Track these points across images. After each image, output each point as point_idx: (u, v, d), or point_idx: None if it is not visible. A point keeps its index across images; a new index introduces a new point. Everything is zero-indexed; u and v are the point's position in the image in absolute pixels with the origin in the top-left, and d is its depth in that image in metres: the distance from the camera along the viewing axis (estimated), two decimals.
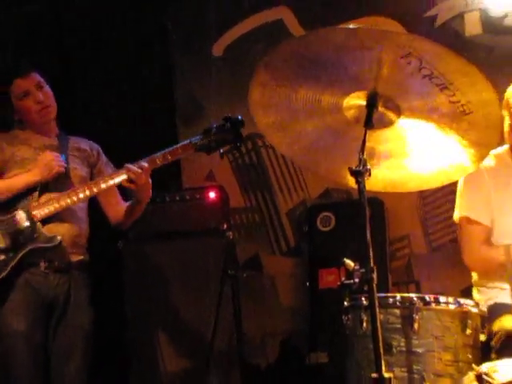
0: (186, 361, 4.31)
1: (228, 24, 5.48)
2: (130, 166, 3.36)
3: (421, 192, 4.69)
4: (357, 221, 2.42)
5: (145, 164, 3.36)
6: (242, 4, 5.48)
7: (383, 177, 2.72)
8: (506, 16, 5.14)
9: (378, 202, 4.66)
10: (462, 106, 2.44)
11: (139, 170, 3.33)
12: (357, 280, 2.50)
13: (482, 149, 2.59)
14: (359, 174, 2.38)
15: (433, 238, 5.04)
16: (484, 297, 3.24)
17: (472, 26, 5.21)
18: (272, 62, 2.46)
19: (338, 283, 2.65)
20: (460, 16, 5.22)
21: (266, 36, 5.30)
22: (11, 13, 4.73)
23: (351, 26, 2.38)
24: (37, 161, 3.42)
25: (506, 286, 2.86)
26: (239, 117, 3.36)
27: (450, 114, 2.48)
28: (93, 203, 3.62)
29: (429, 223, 5.04)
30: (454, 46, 4.86)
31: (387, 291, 2.74)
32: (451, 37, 5.17)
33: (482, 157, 2.65)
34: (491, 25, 5.16)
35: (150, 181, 3.44)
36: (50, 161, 3.40)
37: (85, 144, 3.72)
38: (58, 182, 3.45)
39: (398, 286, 4.04)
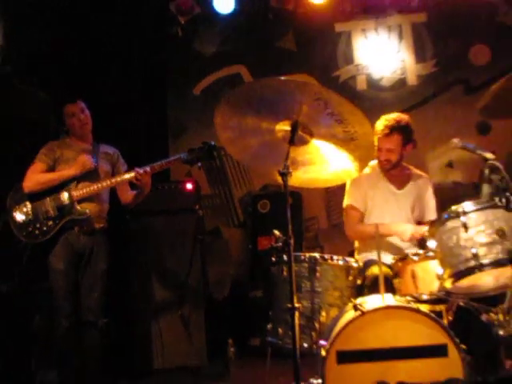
0: (169, 294, 4.31)
1: (204, 73, 5.47)
2: (137, 169, 3.39)
3: (326, 188, 4.77)
4: (283, 206, 2.47)
5: (147, 169, 3.39)
6: (214, 61, 5.48)
7: (301, 177, 2.72)
8: (381, 79, 5.28)
9: (297, 194, 4.71)
10: (351, 134, 2.48)
11: (143, 173, 3.37)
12: (280, 244, 2.58)
13: (362, 162, 2.65)
14: (284, 174, 2.41)
15: (332, 218, 5.11)
16: (361, 256, 3.29)
17: (361, 84, 5.33)
18: (230, 99, 2.49)
19: (269, 246, 2.73)
20: (354, 77, 5.34)
21: (229, 82, 5.29)
22: None
23: (283, 78, 2.41)
24: (76, 160, 3.43)
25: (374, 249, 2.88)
26: (212, 142, 3.38)
27: (344, 139, 2.51)
28: (112, 190, 3.64)
29: (330, 208, 5.09)
30: (350, 96, 5.10)
31: (301, 252, 2.79)
32: (349, 90, 5.26)
33: (362, 167, 2.70)
34: (373, 84, 5.30)
35: (150, 180, 3.47)
36: (85, 160, 3.42)
37: (110, 149, 3.71)
38: (90, 175, 3.46)
39: (309, 249, 4.10)
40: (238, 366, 3.70)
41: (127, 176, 3.43)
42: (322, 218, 5.21)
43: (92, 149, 3.60)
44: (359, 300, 2.51)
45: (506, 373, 2.29)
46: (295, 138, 2.50)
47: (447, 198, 3.45)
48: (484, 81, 4.79)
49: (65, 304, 3.36)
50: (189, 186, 4.50)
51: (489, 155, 2.53)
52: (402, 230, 3.12)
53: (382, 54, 5.31)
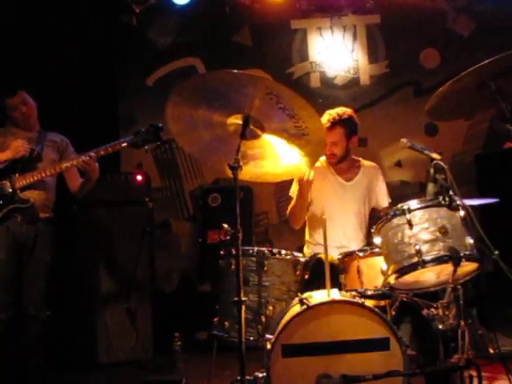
0: (116, 287, 4.25)
1: (158, 64, 5.40)
2: (82, 156, 3.35)
3: (277, 183, 4.78)
4: (234, 200, 2.46)
5: (92, 153, 3.34)
6: (168, 52, 5.41)
7: (251, 171, 2.72)
8: (335, 77, 5.35)
9: (248, 189, 4.72)
10: (303, 129, 2.49)
11: (88, 158, 3.32)
12: (229, 237, 2.57)
13: (313, 158, 2.67)
14: (234, 168, 2.41)
15: (282, 213, 5.08)
16: (310, 250, 3.32)
17: (315, 82, 5.39)
18: (182, 90, 2.45)
19: (218, 240, 2.71)
20: (308, 74, 5.39)
21: (183, 75, 5.24)
22: None
23: (235, 71, 2.37)
24: (9, 145, 3.35)
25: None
26: (160, 124, 3.34)
27: (295, 134, 2.52)
28: (60, 180, 3.56)
29: (280, 204, 5.10)
30: (304, 93, 5.12)
31: (251, 246, 2.80)
32: (302, 87, 5.31)
33: (313, 163, 2.73)
34: (327, 81, 5.36)
35: (97, 165, 3.40)
36: (18, 146, 3.35)
37: (58, 137, 3.64)
38: (35, 162, 3.39)
39: (259, 244, 4.11)
40: (184, 360, 3.69)
41: (71, 162, 3.37)
42: (272, 213, 5.24)
43: (38, 137, 3.53)
44: (305, 294, 2.52)
45: (442, 365, 2.36)
46: (246, 132, 2.50)
47: (395, 196, 3.52)
48: (433, 84, 4.91)
49: (4, 296, 3.25)
50: (139, 177, 4.44)
51: (435, 155, 2.60)
52: None
53: (336, 52, 5.39)
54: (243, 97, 2.42)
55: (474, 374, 2.77)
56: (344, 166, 3.40)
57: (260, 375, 2.41)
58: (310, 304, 2.36)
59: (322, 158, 3.40)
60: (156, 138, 3.35)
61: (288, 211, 3.44)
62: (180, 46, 5.43)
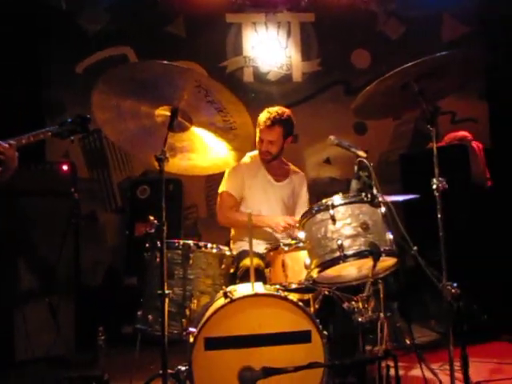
0: (37, 280, 4.08)
1: (88, 52, 5.22)
2: (0, 142, 3.19)
3: (207, 177, 4.79)
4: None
5: (12, 142, 3.19)
6: (99, 40, 5.25)
7: (179, 164, 2.71)
8: (268, 73, 5.39)
9: (178, 181, 4.68)
10: (231, 123, 2.50)
11: (7, 146, 3.17)
12: (154, 230, 2.54)
13: (240, 152, 2.69)
14: (160, 160, 2.39)
15: (212, 207, 5.02)
16: (236, 246, 3.35)
17: (248, 76, 5.39)
18: (109, 79, 2.41)
19: (144, 232, 2.68)
20: (241, 68, 5.39)
21: (114, 63, 5.06)
22: None
23: (165, 62, 2.34)
24: None
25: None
26: (88, 115, 3.24)
27: (223, 128, 2.53)
28: None
29: (210, 197, 5.07)
30: (237, 87, 5.15)
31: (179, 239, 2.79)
32: (235, 81, 5.30)
33: (240, 157, 2.74)
34: (259, 77, 5.39)
35: (17, 154, 3.26)
36: None
37: None
38: None
39: (187, 237, 4.07)
40: (108, 355, 3.61)
41: None
42: (201, 207, 5.21)
43: None
44: (230, 288, 2.54)
45: (361, 356, 2.44)
46: (174, 124, 2.48)
47: (323, 192, 3.61)
48: (363, 83, 5.00)
49: None
50: (64, 167, 4.29)
51: (361, 153, 2.68)
52: (275, 222, 3.22)
53: (270, 48, 5.42)
54: (172, 88, 2.40)
55: (392, 364, 2.92)
56: (275, 165, 3.46)
57: (182, 368, 2.41)
58: (234, 297, 2.38)
59: (253, 154, 3.43)
60: (82, 128, 3.25)
61: (223, 216, 3.43)
62: (111, 34, 5.27)
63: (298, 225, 2.57)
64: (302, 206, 3.46)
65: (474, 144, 4.78)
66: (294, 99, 5.28)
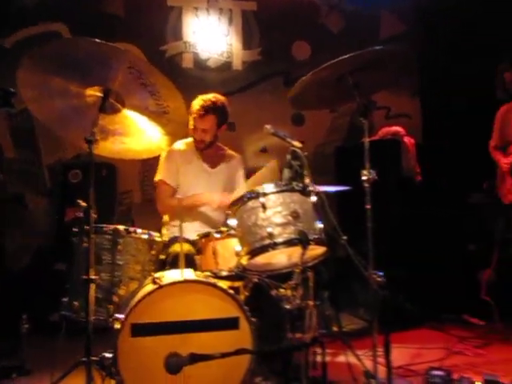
0: None
1: (19, 26, 4.96)
2: None
3: (142, 161, 4.72)
4: (95, 176, 2.38)
5: None
6: (32, 14, 5.01)
7: (111, 147, 2.65)
8: (208, 59, 5.33)
9: (112, 166, 4.57)
10: (164, 108, 2.48)
11: None
12: (82, 214, 2.48)
13: (173, 137, 2.66)
14: (90, 142, 2.33)
15: (146, 192, 5.03)
16: (168, 232, 3.26)
17: (187, 62, 5.30)
18: (36, 55, 2.32)
19: (73, 217, 2.61)
20: (181, 54, 5.29)
21: (46, 40, 4.84)
22: None
23: (97, 40, 2.27)
24: None
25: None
26: (11, 89, 3.07)
27: (156, 112, 2.50)
28: None
29: (145, 183, 4.99)
30: (175, 72, 5.08)
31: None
32: (174, 66, 5.21)
33: (173, 142, 2.73)
34: (199, 63, 5.32)
35: None
36: None
37: None
38: None
39: (120, 223, 3.99)
40: (32, 344, 3.50)
41: None
42: (136, 192, 5.10)
43: None
44: (159, 274, 2.51)
45: (288, 343, 2.47)
46: (106, 106, 2.43)
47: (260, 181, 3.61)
48: (302, 75, 5.10)
49: None
50: None
51: (296, 143, 2.70)
52: (210, 199, 3.22)
53: (211, 35, 5.36)
54: (104, 69, 2.34)
55: (319, 351, 2.99)
56: (210, 152, 3.43)
57: (107, 355, 2.36)
58: (162, 283, 2.36)
59: (188, 140, 3.40)
60: (5, 103, 3.09)
61: (163, 206, 3.38)
62: (46, 9, 5.04)
63: (229, 212, 2.55)
64: (240, 189, 3.45)
65: (406, 139, 4.94)
66: (233, 87, 5.26)
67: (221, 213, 3.30)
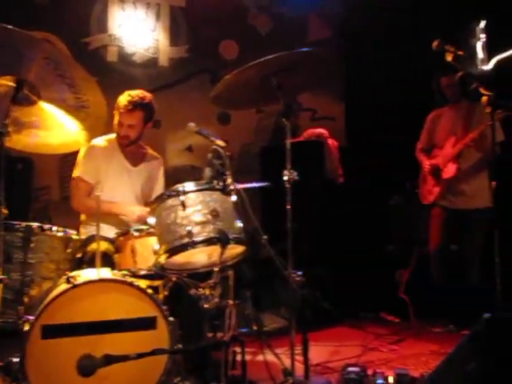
0: None
1: None
2: None
3: (61, 157, 4.56)
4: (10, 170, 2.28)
5: None
6: None
7: (25, 141, 2.54)
8: (134, 54, 5.23)
9: (28, 160, 4.35)
10: (83, 102, 2.41)
11: None
12: None
13: (92, 133, 2.59)
14: (1, 134, 2.22)
15: (65, 189, 4.77)
16: (86, 230, 3.22)
17: (112, 56, 5.17)
18: None
19: None
20: (105, 47, 5.15)
21: None
22: None
23: (9, 27, 2.15)
24: None
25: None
26: None
27: (75, 105, 2.43)
28: None
29: (64, 179, 4.78)
30: (99, 66, 4.94)
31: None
32: (98, 59, 5.07)
33: (91, 138, 2.66)
34: (125, 58, 5.20)
35: None
36: None
37: None
38: None
39: (36, 221, 3.85)
40: None
41: None
42: (54, 189, 4.91)
43: None
44: (74, 273, 2.45)
45: (206, 341, 2.46)
46: (19, 97, 2.32)
47: (184, 180, 3.58)
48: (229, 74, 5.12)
49: None
50: None
51: (219, 142, 2.70)
52: (130, 211, 3.16)
53: (137, 29, 5.26)
54: (17, 58, 2.24)
55: (239, 350, 3.00)
56: (132, 150, 3.37)
57: (14, 360, 2.26)
58: (77, 282, 2.29)
59: (109, 137, 3.33)
60: None
61: (78, 203, 3.29)
62: None
63: (148, 210, 2.52)
64: (159, 191, 3.41)
65: (330, 141, 5.06)
66: (159, 84, 5.17)
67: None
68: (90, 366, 2.09)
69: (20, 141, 2.53)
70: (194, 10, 5.42)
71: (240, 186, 2.52)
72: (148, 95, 3.32)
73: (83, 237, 2.79)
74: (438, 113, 4.42)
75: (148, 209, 3.04)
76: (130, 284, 2.37)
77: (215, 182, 2.43)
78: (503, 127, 3.81)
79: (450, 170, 4.13)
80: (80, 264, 2.69)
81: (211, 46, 5.44)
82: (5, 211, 2.26)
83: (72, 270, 2.57)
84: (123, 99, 3.22)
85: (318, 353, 3.48)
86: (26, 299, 2.43)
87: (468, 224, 4.15)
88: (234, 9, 5.56)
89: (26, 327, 2.23)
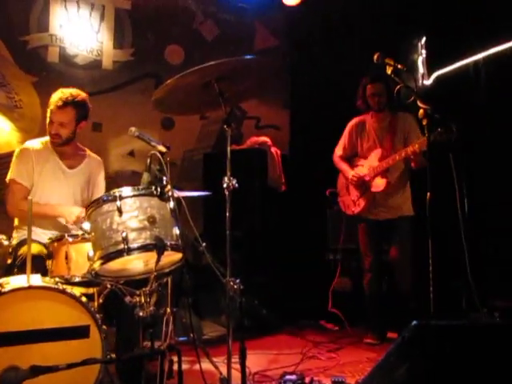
0: None
1: None
2: None
3: None
4: None
5: None
6: None
7: None
8: (76, 55, 5.10)
9: None
10: (16, 102, 2.36)
11: None
12: None
13: (26, 134, 2.54)
14: None
15: None
16: (19, 235, 3.10)
17: (53, 56, 4.99)
18: None
19: None
20: (46, 47, 4.99)
21: None
22: None
23: None
24: None
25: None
26: None
27: (7, 105, 2.39)
28: None
29: None
30: (39, 66, 4.81)
31: None
32: (38, 59, 4.78)
33: (25, 139, 2.59)
34: (66, 59, 5.07)
35: None
36: None
37: None
38: None
39: None
40: None
41: None
42: None
43: None
44: (2, 280, 2.36)
45: (140, 350, 2.41)
46: None
47: (126, 185, 3.52)
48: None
49: None
50: None
51: (160, 147, 2.68)
52: (68, 211, 3.07)
53: (80, 30, 5.13)
54: None
55: (176, 358, 2.97)
56: (69, 151, 3.28)
57: None
58: (4, 290, 2.21)
59: (44, 139, 3.23)
60: None
61: (13, 208, 3.16)
62: None
63: (83, 215, 2.46)
64: (100, 193, 3.33)
65: (273, 150, 5.11)
66: (102, 87, 5.07)
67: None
68: (15, 379, 2.00)
69: None
70: (139, 13, 5.36)
71: (181, 194, 2.51)
72: (82, 94, 3.23)
73: (14, 242, 2.68)
74: (359, 120, 4.28)
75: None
76: (63, 291, 2.31)
77: (153, 187, 2.40)
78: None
79: (378, 184, 4.03)
80: (10, 270, 2.59)
81: (156, 50, 5.39)
82: None
83: (1, 276, 2.48)
84: (55, 96, 3.14)
85: (256, 361, 3.49)
86: None
87: (393, 232, 4.10)
88: (181, 14, 5.55)
89: None
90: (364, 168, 4.15)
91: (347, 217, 4.39)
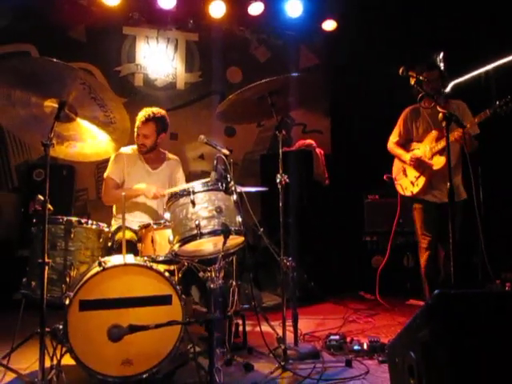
0: None
1: None
2: None
3: (98, 163, 4.62)
4: (56, 175, 2.32)
5: None
6: (3, 34, 4.80)
7: (66, 151, 2.58)
8: (156, 79, 5.29)
9: (71, 167, 4.46)
10: (111, 118, 2.44)
11: None
12: (40, 207, 2.40)
13: (118, 143, 2.62)
14: (46, 145, 2.27)
15: (100, 190, 4.77)
16: (115, 223, 3.26)
17: (139, 81, 5.26)
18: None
19: (33, 209, 2.52)
20: (133, 74, 5.24)
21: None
22: None
23: (54, 60, 2.21)
24: None
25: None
26: None
27: (105, 121, 2.46)
28: None
29: (99, 182, 4.86)
30: (128, 89, 5.01)
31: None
32: (127, 84, 5.18)
33: (118, 147, 2.67)
34: (149, 82, 5.27)
35: None
36: None
37: None
38: None
39: (78, 216, 3.85)
40: None
41: None
42: (91, 190, 4.99)
43: None
44: (104, 258, 2.47)
45: (214, 315, 2.47)
46: (61, 115, 2.36)
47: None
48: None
49: None
50: None
51: (224, 151, 2.73)
52: (147, 189, 3.18)
53: (159, 59, 5.34)
54: (60, 84, 2.29)
55: (241, 322, 3.04)
56: (152, 156, 3.40)
57: (59, 327, 2.31)
58: (106, 266, 2.33)
59: (134, 147, 3.36)
60: None
61: (106, 195, 3.31)
62: (17, 31, 4.85)
63: (165, 207, 2.55)
64: (182, 182, 3.43)
65: (318, 150, 5.08)
66: (177, 104, 5.27)
67: (158, 204, 3.30)
68: (118, 334, 2.12)
69: (62, 151, 2.57)
70: (205, 43, 5.48)
71: (242, 189, 2.56)
72: (161, 111, 3.33)
73: (112, 229, 2.81)
74: (413, 107, 3.76)
75: (164, 191, 3.11)
76: (150, 268, 2.40)
77: (219, 183, 2.46)
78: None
79: (439, 162, 3.49)
80: (110, 251, 2.72)
81: (220, 72, 5.48)
82: (50, 208, 2.31)
83: (104, 256, 2.61)
84: (140, 114, 3.28)
85: (306, 324, 3.51)
86: (67, 279, 2.49)
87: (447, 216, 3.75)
88: (238, 41, 5.63)
89: (67, 301, 2.27)
90: (420, 150, 3.64)
91: (402, 199, 3.95)
